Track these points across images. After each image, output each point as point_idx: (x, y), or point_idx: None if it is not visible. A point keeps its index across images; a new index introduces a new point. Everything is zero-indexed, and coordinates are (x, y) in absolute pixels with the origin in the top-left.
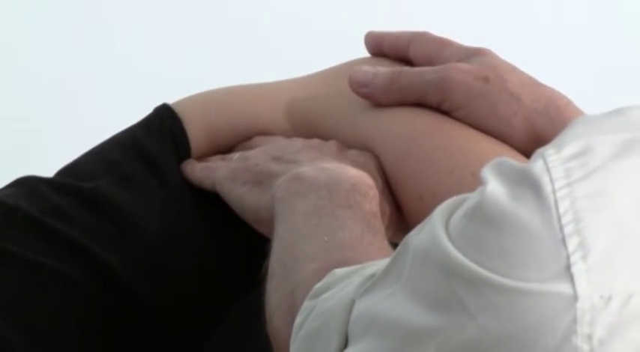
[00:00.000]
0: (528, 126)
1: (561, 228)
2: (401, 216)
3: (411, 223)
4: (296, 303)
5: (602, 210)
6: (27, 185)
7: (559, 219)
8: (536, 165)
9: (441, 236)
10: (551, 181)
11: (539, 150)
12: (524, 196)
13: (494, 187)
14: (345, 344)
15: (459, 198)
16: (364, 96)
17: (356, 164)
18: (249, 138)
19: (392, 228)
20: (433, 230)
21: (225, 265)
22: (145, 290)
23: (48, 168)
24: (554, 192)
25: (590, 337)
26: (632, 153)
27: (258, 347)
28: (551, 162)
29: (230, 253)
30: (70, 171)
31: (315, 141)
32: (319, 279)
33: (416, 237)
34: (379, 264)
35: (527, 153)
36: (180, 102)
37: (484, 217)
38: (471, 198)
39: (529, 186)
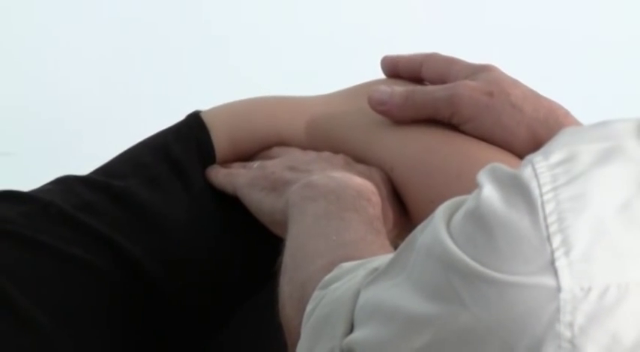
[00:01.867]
0: (530, 134)
1: (547, 227)
2: (408, 219)
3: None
4: (306, 294)
5: (584, 212)
6: (63, 183)
7: (545, 219)
8: (526, 170)
9: (442, 233)
10: (539, 186)
11: (529, 157)
12: (514, 199)
13: (489, 191)
14: (351, 330)
15: (458, 199)
16: (382, 113)
17: (361, 174)
18: (268, 148)
19: (396, 229)
20: (435, 228)
21: (240, 261)
22: (165, 280)
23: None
24: (541, 195)
25: (571, 324)
26: (611, 160)
27: (270, 336)
28: (539, 169)
29: (246, 251)
30: (104, 169)
31: (326, 154)
32: (328, 273)
33: (420, 235)
34: (382, 259)
35: None
36: (209, 112)
37: (480, 218)
38: (469, 201)
39: (519, 190)
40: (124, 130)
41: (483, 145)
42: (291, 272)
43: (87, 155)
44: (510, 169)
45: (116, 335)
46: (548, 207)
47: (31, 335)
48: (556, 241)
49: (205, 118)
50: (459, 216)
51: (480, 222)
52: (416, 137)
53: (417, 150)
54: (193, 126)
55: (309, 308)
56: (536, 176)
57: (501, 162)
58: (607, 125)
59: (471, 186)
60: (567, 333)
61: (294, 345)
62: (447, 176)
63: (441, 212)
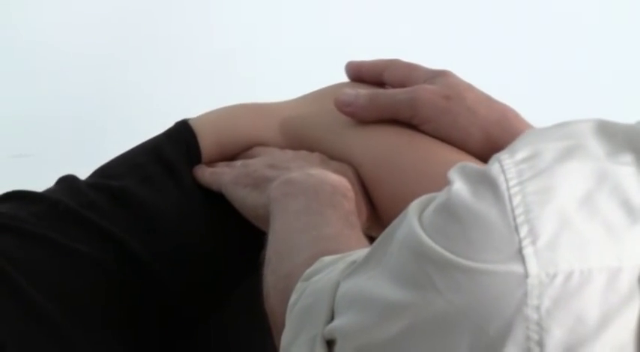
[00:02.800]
0: (484, 135)
1: (514, 218)
2: (376, 214)
3: (386, 218)
4: (289, 285)
5: (548, 204)
6: (67, 182)
7: (512, 210)
8: (493, 167)
9: (415, 226)
10: (506, 180)
11: (496, 156)
12: (483, 193)
13: (459, 186)
14: (332, 318)
15: (429, 196)
16: (347, 114)
17: (336, 171)
18: (250, 148)
19: (368, 223)
20: (409, 222)
21: (228, 252)
22: (162, 270)
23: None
24: (508, 189)
25: (538, 308)
26: (572, 157)
27: (256, 321)
28: (506, 165)
29: (232, 243)
30: (102, 171)
31: (303, 153)
32: (309, 265)
33: (398, 229)
34: (360, 253)
35: (483, 157)
36: (196, 119)
37: (451, 211)
38: (440, 196)
39: (487, 184)
40: (142, 131)
41: (441, 144)
42: (274, 265)
43: (104, 156)
44: (479, 167)
45: (120, 322)
46: (515, 200)
47: (43, 327)
48: (523, 231)
49: (193, 124)
50: (429, 209)
51: (451, 214)
52: (380, 136)
53: (381, 148)
54: (182, 131)
55: (292, 299)
56: (503, 171)
57: (457, 161)
58: (567, 125)
59: (434, 182)
60: (534, 316)
61: (279, 333)
62: (411, 174)
63: (413, 207)
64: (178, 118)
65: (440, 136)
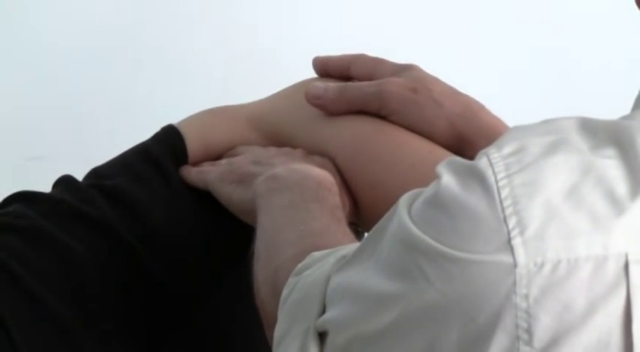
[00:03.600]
0: (449, 126)
1: (503, 210)
2: (354, 203)
3: (363, 208)
4: (279, 280)
5: (536, 196)
6: (66, 182)
7: (501, 203)
8: (481, 161)
9: (405, 219)
10: (494, 173)
11: (483, 151)
12: (472, 186)
13: (448, 179)
14: (324, 311)
15: (417, 190)
16: (318, 106)
17: (319, 165)
18: (233, 148)
19: (351, 214)
20: (399, 215)
21: (215, 244)
22: (155, 261)
23: None
24: (496, 181)
25: (526, 296)
26: (557, 151)
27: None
28: (494, 159)
29: (219, 236)
30: (95, 173)
31: (286, 149)
32: (297, 261)
33: (388, 223)
34: (350, 247)
35: (448, 147)
36: (182, 122)
37: (440, 203)
38: (429, 189)
39: (476, 178)
40: (154, 131)
41: (412, 135)
42: (263, 260)
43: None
44: (467, 161)
45: (118, 310)
46: (504, 192)
47: (50, 323)
48: (511, 222)
49: (179, 127)
50: (418, 203)
51: (441, 206)
52: (351, 127)
53: (353, 139)
54: (169, 133)
55: (284, 293)
56: (491, 165)
57: (428, 152)
58: (552, 122)
59: (407, 172)
60: (523, 304)
61: (270, 326)
62: (384, 163)
63: (402, 201)
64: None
65: (407, 127)
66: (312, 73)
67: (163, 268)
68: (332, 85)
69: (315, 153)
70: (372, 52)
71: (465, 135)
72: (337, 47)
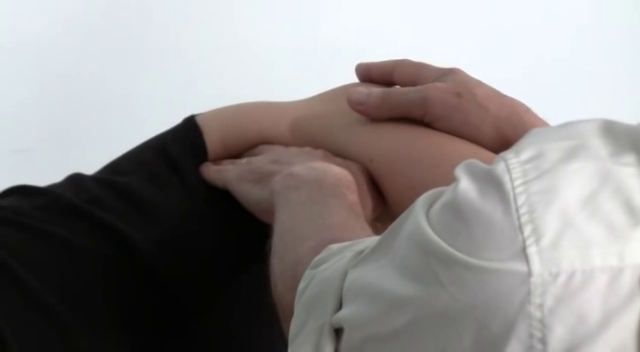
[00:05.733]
0: (495, 131)
1: (518, 218)
2: (385, 205)
3: (399, 210)
4: (297, 273)
5: (552, 204)
6: (73, 180)
7: (517, 210)
8: (499, 166)
9: (422, 222)
10: (511, 180)
11: (501, 154)
12: (489, 192)
13: (465, 184)
14: (340, 307)
15: (437, 191)
16: (360, 112)
17: (339, 165)
18: (255, 147)
19: (374, 214)
20: (416, 217)
21: (226, 247)
22: (163, 264)
23: None
24: (513, 188)
25: (541, 306)
26: (576, 157)
27: (258, 311)
28: (511, 165)
29: (236, 237)
30: (111, 167)
31: (307, 149)
32: (316, 253)
33: (404, 222)
34: (368, 242)
35: (494, 151)
36: (202, 115)
37: (457, 209)
38: (447, 193)
39: (493, 183)
40: (144, 126)
41: (454, 139)
42: (281, 254)
43: (104, 150)
44: (484, 165)
45: (122, 315)
46: (520, 200)
47: (45, 319)
48: (527, 230)
49: (199, 121)
50: (437, 206)
51: (457, 212)
52: (392, 132)
53: (395, 143)
54: (189, 129)
55: (301, 286)
56: (508, 171)
57: (472, 153)
58: (572, 125)
59: (447, 174)
60: (537, 314)
61: (287, 319)
62: (425, 165)
63: (420, 202)
64: (182, 114)
65: (452, 133)
66: (312, 72)
67: (169, 270)
68: (375, 90)
69: (352, 157)
70: (372, 54)
71: (511, 138)
72: (341, 48)
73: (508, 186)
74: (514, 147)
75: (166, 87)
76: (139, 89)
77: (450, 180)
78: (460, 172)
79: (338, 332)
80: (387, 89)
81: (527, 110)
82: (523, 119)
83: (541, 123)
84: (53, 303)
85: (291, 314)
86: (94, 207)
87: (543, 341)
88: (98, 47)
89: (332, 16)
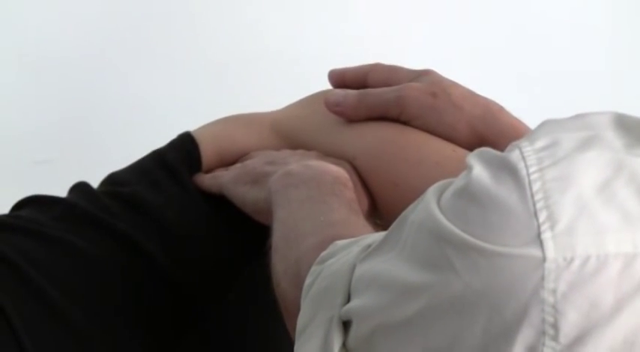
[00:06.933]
0: (470, 129)
1: (534, 204)
2: (373, 203)
3: (384, 206)
4: (301, 269)
5: (567, 191)
6: (80, 188)
7: (532, 196)
8: (514, 154)
9: (434, 210)
10: (526, 167)
11: (515, 143)
12: (504, 178)
13: (479, 171)
14: (348, 300)
15: (446, 181)
16: (337, 113)
17: (334, 163)
18: (247, 153)
19: (369, 213)
20: (427, 205)
21: (231, 248)
22: (174, 269)
23: None
24: (528, 175)
25: (554, 291)
26: (591, 147)
27: (260, 310)
28: (526, 152)
29: (235, 240)
30: (110, 179)
31: (300, 151)
32: (320, 250)
33: (411, 214)
34: (375, 236)
35: (470, 149)
36: (197, 130)
37: (471, 195)
38: (459, 180)
39: (508, 170)
40: (167, 136)
41: (433, 137)
42: (283, 251)
43: (128, 161)
44: (499, 152)
45: (135, 318)
46: (535, 186)
47: (63, 327)
48: (542, 216)
49: (195, 134)
50: (448, 194)
51: (471, 198)
52: (374, 130)
53: (376, 141)
54: (185, 141)
55: (307, 281)
56: (523, 158)
57: (451, 151)
58: (585, 117)
59: (429, 171)
60: (550, 299)
61: (291, 316)
62: (409, 163)
63: (431, 191)
64: (205, 123)
65: (428, 131)
66: (312, 74)
67: (181, 274)
68: (351, 91)
69: (336, 156)
70: (375, 57)
71: (486, 137)
72: (342, 50)
73: (523, 172)
74: (528, 136)
75: (190, 96)
76: (161, 99)
77: (432, 176)
78: (473, 160)
79: (346, 325)
80: (363, 90)
81: (501, 109)
82: (497, 117)
83: (515, 122)
84: (71, 310)
85: (295, 310)
86: (108, 215)
87: (555, 326)
88: (120, 58)
89: (339, 24)
